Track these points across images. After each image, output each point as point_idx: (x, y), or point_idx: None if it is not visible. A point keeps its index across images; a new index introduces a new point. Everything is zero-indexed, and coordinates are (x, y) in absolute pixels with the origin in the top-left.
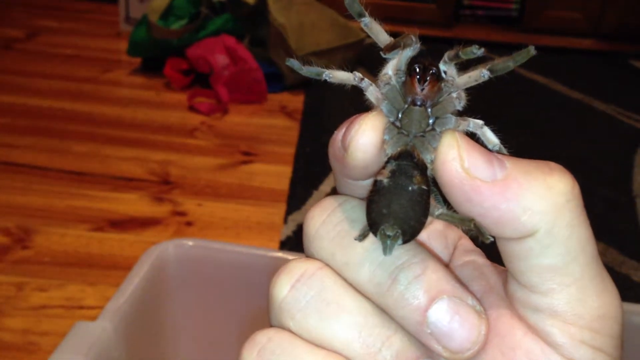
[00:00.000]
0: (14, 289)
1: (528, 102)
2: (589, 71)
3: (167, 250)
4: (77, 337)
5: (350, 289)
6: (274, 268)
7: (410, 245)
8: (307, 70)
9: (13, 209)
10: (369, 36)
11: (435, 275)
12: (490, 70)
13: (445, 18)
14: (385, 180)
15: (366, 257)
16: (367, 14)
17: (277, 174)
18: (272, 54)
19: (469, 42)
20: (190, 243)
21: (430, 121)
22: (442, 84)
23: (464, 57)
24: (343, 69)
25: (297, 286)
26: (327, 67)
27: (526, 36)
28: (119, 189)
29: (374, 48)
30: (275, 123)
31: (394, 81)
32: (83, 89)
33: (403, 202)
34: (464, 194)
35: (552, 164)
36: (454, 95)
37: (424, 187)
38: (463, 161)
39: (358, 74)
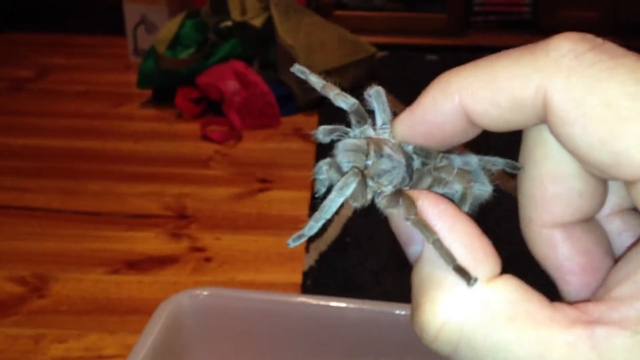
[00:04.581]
0: (31, 342)
1: None
2: None
3: (182, 302)
4: None
5: None
6: (296, 313)
7: None
8: (312, 78)
9: (28, 256)
10: (380, 50)
11: None
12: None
13: (457, 26)
14: None
15: None
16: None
17: (295, 200)
18: (282, 75)
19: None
20: (206, 292)
21: None
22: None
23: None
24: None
25: None
26: (338, 86)
27: (541, 38)
28: (134, 227)
29: (385, 62)
30: (291, 147)
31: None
32: (95, 125)
33: None
34: None
35: None
36: None
37: None
38: None
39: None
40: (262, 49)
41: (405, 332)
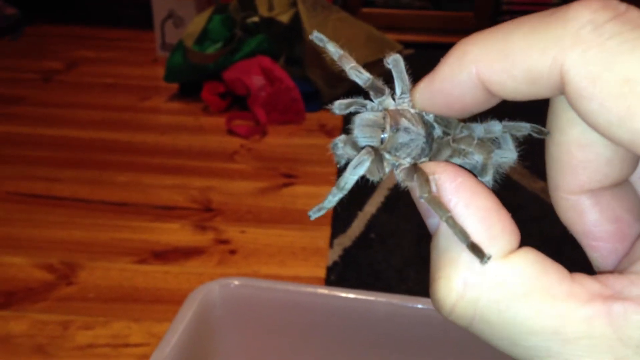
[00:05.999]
0: (59, 328)
1: None
2: None
3: (213, 291)
4: None
5: None
6: (325, 305)
7: None
8: (329, 46)
9: (56, 244)
10: (406, 48)
11: None
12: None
13: (484, 25)
14: None
15: None
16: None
17: (319, 196)
18: (308, 72)
19: None
20: (236, 282)
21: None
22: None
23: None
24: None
25: None
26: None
27: None
28: (160, 218)
29: (411, 60)
30: (315, 142)
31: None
32: (122, 117)
33: None
34: None
35: None
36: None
37: None
38: None
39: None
40: (289, 45)
41: (430, 327)
